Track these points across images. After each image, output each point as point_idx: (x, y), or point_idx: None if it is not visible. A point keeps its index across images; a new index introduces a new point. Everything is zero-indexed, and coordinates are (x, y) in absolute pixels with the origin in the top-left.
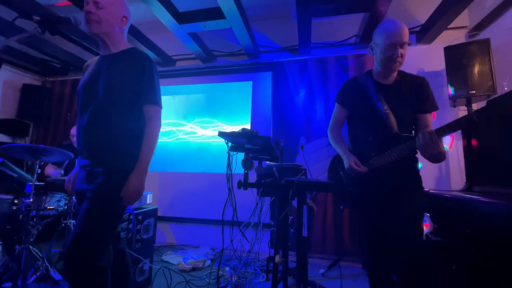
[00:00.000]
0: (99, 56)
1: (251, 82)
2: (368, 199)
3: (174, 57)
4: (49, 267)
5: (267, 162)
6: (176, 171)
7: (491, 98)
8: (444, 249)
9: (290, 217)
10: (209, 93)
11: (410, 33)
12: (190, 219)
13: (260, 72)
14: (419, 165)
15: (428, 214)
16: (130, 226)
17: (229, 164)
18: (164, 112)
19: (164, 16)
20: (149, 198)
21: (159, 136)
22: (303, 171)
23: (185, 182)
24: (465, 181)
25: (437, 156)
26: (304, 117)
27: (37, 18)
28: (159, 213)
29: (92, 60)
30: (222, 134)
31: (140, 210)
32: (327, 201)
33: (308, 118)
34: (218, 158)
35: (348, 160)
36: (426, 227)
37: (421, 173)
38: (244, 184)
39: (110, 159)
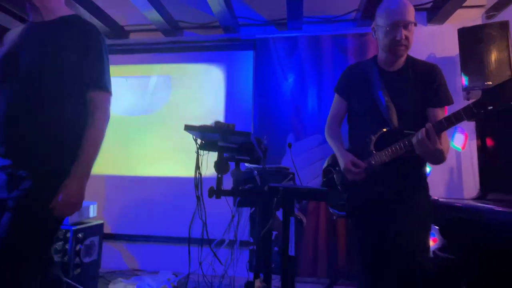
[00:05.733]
0: (27, 24)
1: (226, 64)
2: (364, 209)
3: (127, 28)
4: None
5: (247, 164)
6: (129, 174)
7: None
8: (454, 267)
9: (274, 233)
10: (172, 76)
11: (420, 10)
12: (147, 237)
13: (238, 51)
14: (428, 170)
15: (437, 227)
16: (67, 246)
17: (198, 166)
18: (114, 99)
19: None
20: (92, 210)
21: (107, 130)
22: (291, 176)
23: (140, 188)
24: (478, 187)
25: (433, 154)
26: (293, 109)
27: None
28: (106, 230)
29: (16, 29)
30: (189, 128)
31: (81, 226)
32: (320, 211)
33: (298, 110)
34: (184, 158)
35: (344, 160)
36: (434, 242)
37: (429, 179)
38: (216, 191)
39: (39, 159)
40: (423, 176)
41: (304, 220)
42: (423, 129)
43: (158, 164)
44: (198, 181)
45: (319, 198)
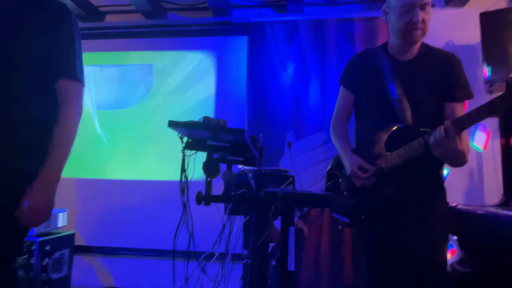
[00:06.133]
0: None
1: (216, 51)
2: (373, 217)
3: (102, 9)
4: None
5: (240, 166)
6: (104, 177)
7: None
8: (475, 283)
9: (271, 244)
10: (154, 65)
11: None
12: (125, 250)
13: (230, 36)
14: (445, 172)
15: (455, 237)
16: (32, 261)
17: (183, 168)
18: (87, 91)
19: None
20: (61, 219)
21: (79, 126)
22: (291, 179)
23: (117, 194)
24: (502, 192)
25: (453, 156)
26: (292, 103)
27: None
28: (78, 241)
29: None
30: (173, 125)
31: (48, 237)
32: (323, 220)
33: (299, 104)
34: (168, 158)
35: (351, 164)
36: (452, 255)
37: (446, 183)
38: (205, 197)
39: (0, 160)
40: (440, 180)
41: (306, 230)
42: (441, 127)
43: (138, 166)
44: (184, 185)
45: (322, 205)
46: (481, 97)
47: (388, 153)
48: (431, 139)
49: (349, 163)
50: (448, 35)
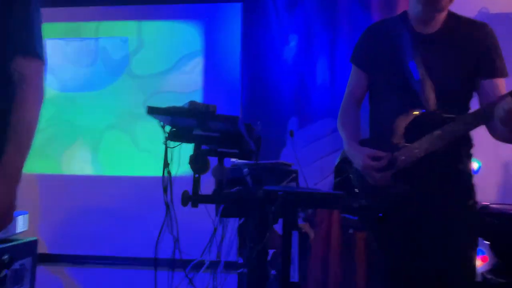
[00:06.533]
0: None
1: (204, 20)
2: (390, 219)
3: None
4: None
5: (234, 160)
6: (72, 173)
7: None
8: None
9: (271, 251)
10: (130, 38)
11: None
12: (98, 258)
13: (221, 3)
14: (476, 166)
15: (488, 242)
16: None
17: (166, 163)
18: (49, 70)
19: None
20: (21, 223)
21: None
22: (294, 175)
23: (89, 192)
24: None
25: None
26: (296, 83)
27: None
28: (42, 249)
29: None
30: (153, 112)
31: (6, 245)
32: (332, 221)
33: (303, 85)
34: (149, 150)
35: (359, 157)
36: (483, 262)
37: (477, 178)
38: (192, 197)
39: None
40: (468, 174)
41: (312, 233)
42: (507, 98)
43: (112, 159)
44: (167, 183)
45: (331, 206)
46: None
47: (408, 144)
48: (498, 112)
49: (358, 156)
50: (482, 1)
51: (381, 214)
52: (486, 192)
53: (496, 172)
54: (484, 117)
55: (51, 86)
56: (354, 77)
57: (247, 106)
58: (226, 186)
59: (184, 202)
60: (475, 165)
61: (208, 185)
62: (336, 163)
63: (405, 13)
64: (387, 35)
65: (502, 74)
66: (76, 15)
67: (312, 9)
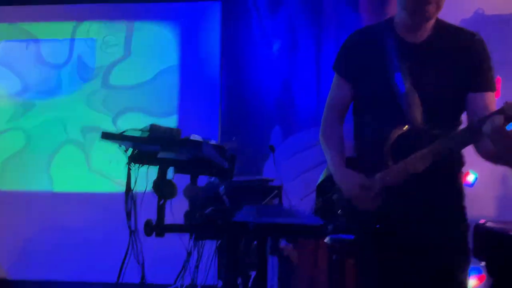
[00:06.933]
0: None
1: (180, 21)
2: (374, 245)
3: None
4: None
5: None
6: (29, 189)
7: None
8: None
9: (253, 273)
10: (98, 39)
11: None
12: (56, 284)
13: (198, 2)
14: (472, 177)
15: (483, 263)
16: None
17: (129, 187)
18: (2, 74)
19: None
20: None
21: None
22: (276, 191)
23: (46, 211)
24: None
25: None
26: (279, 90)
27: None
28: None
29: None
30: (109, 137)
31: None
32: (320, 243)
33: (287, 92)
34: (116, 163)
35: (350, 185)
36: (480, 282)
37: (474, 192)
38: (156, 226)
39: None
40: (459, 195)
41: (295, 257)
42: (496, 116)
43: (74, 174)
44: (130, 207)
45: (312, 236)
46: None
47: (392, 164)
48: (486, 129)
49: (348, 185)
50: (478, 1)
51: (378, 226)
52: (483, 205)
53: (493, 184)
54: (474, 135)
55: (5, 92)
56: (337, 87)
57: (227, 115)
58: (200, 205)
59: (147, 232)
60: (471, 177)
61: (180, 205)
62: (318, 182)
63: (391, 20)
64: (372, 43)
65: (493, 88)
66: (40, 13)
67: (296, 9)
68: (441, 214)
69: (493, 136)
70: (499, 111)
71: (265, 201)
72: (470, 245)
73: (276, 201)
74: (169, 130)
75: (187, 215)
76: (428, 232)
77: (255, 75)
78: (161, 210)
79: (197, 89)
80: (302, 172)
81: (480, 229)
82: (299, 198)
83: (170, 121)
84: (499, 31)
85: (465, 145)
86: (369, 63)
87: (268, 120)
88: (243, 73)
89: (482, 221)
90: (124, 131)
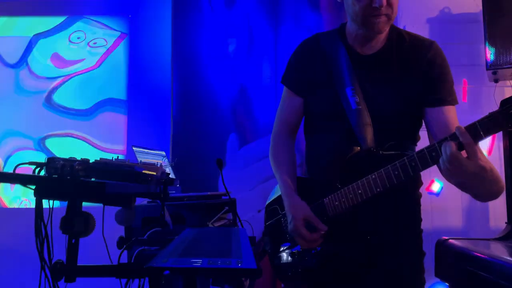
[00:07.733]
0: None
1: (127, 18)
2: (328, 278)
3: None
4: None
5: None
6: None
7: None
8: None
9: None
10: (34, 38)
11: None
12: None
13: None
14: (439, 186)
15: (447, 284)
16: None
17: (38, 225)
18: None
19: None
20: None
21: None
22: (226, 207)
23: None
24: (506, 220)
25: (479, 179)
26: (236, 94)
27: None
28: None
29: None
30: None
31: None
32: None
33: (244, 95)
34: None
35: (294, 218)
36: None
37: (440, 202)
38: (68, 269)
39: None
40: (416, 224)
41: (246, 283)
42: (447, 142)
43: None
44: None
45: (224, 275)
46: (485, 85)
47: (341, 188)
48: (441, 160)
49: (292, 216)
50: (444, 0)
51: (319, 248)
52: (448, 216)
53: (460, 192)
54: (431, 159)
55: None
56: (288, 101)
57: (179, 121)
58: (140, 229)
59: (55, 277)
60: (436, 186)
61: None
62: (267, 201)
63: (343, 28)
64: (322, 54)
65: (453, 101)
66: None
67: (253, 6)
68: (395, 249)
69: (445, 166)
70: (451, 137)
71: (213, 219)
72: (431, 264)
73: (229, 215)
74: (69, 163)
75: (119, 243)
76: (379, 267)
77: (210, 79)
78: (72, 251)
79: (146, 94)
80: (260, 182)
81: (443, 247)
82: (257, 210)
83: None
84: (466, 29)
85: (421, 169)
86: (319, 76)
87: (224, 127)
88: (195, 75)
89: (444, 237)
90: (17, 165)
